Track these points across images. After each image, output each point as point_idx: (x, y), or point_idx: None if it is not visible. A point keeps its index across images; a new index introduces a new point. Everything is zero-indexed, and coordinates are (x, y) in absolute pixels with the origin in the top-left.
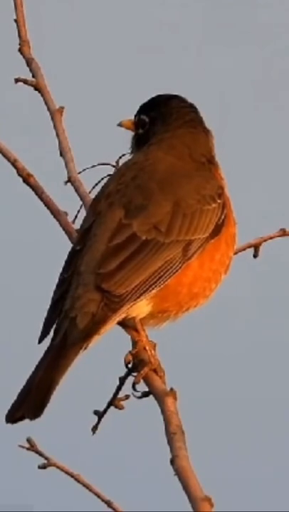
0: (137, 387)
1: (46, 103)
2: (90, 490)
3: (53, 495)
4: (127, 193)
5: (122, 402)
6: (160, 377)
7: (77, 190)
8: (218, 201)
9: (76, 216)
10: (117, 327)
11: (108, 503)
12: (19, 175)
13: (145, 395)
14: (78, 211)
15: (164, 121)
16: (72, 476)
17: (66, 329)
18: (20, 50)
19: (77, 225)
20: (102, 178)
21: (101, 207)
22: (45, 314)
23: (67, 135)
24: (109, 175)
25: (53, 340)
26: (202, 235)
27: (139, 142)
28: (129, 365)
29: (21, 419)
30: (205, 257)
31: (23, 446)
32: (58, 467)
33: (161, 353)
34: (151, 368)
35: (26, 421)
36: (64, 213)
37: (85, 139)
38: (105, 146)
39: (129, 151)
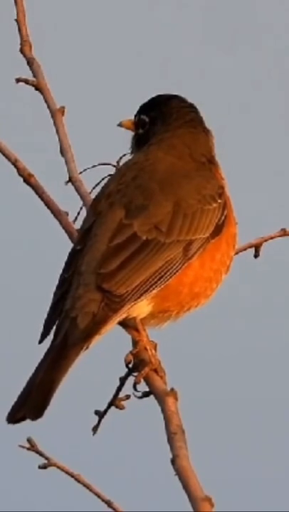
0: (138, 387)
1: (47, 103)
2: (91, 490)
3: (53, 495)
4: (128, 193)
5: (122, 402)
6: (161, 377)
7: (77, 190)
8: (219, 201)
9: (77, 216)
10: (117, 327)
11: (108, 503)
12: (20, 175)
13: (146, 394)
14: (79, 211)
15: (164, 121)
16: (72, 476)
17: (67, 329)
18: (21, 50)
19: (77, 225)
20: (103, 178)
21: (101, 207)
22: (45, 314)
23: (68, 135)
24: (109, 175)
25: (53, 340)
26: (203, 234)
27: (139, 142)
28: (130, 365)
29: (22, 419)
30: (206, 256)
31: (23, 446)
32: (58, 467)
33: (161, 353)
34: (151, 368)
35: (27, 421)
36: (65, 213)
37: (85, 139)
38: (106, 146)
39: (130, 151)
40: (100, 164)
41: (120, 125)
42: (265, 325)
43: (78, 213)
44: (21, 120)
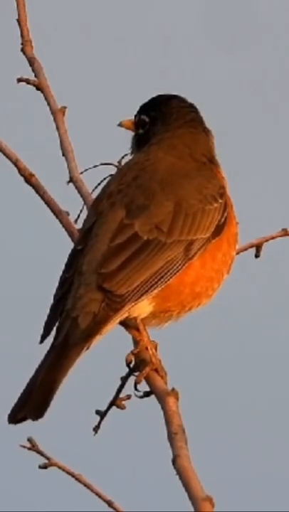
0: (139, 387)
1: (48, 103)
2: (91, 490)
3: (53, 495)
4: (129, 193)
5: (123, 402)
6: (162, 377)
7: (79, 190)
8: (220, 201)
9: (78, 216)
10: (118, 327)
11: (109, 503)
12: (21, 175)
13: (147, 394)
14: (80, 211)
15: (165, 121)
16: (73, 475)
17: (68, 329)
18: (22, 49)
19: (79, 225)
20: (104, 178)
21: (103, 207)
22: (46, 315)
23: (69, 135)
24: (111, 175)
25: (54, 340)
26: (204, 234)
27: (140, 142)
28: (131, 365)
29: (23, 419)
30: (207, 256)
31: (24, 446)
32: (59, 467)
33: (162, 353)
34: (152, 368)
35: (28, 421)
36: (66, 213)
37: (87, 139)
38: (107, 146)
39: (130, 151)
40: (101, 164)
41: (120, 125)
42: (266, 325)
43: (79, 213)
44: (22, 120)
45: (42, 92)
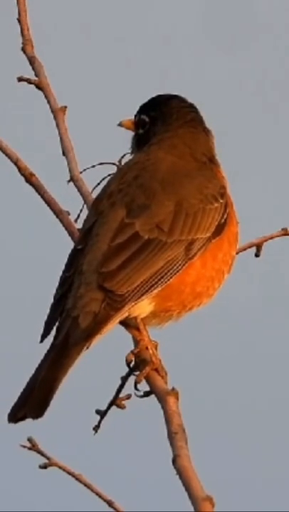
0: (139, 386)
1: (49, 102)
2: (92, 490)
3: (54, 495)
4: (129, 192)
5: (123, 402)
6: (162, 376)
7: (79, 189)
8: (221, 200)
9: (78, 215)
10: (118, 326)
11: (109, 503)
12: (21, 174)
13: (147, 394)
14: (80, 210)
15: (165, 121)
16: (73, 475)
17: (68, 328)
18: (23, 49)
19: (79, 225)
20: (104, 178)
21: (103, 206)
22: (46, 314)
23: (70, 134)
24: (111, 174)
25: (55, 339)
26: (204, 234)
27: (140, 142)
28: (131, 365)
29: (23, 418)
30: (208, 256)
31: (24, 446)
32: (59, 467)
33: (163, 353)
34: (152, 368)
35: (28, 420)
36: (66, 212)
37: (87, 138)
38: (108, 146)
39: (130, 151)
40: (101, 164)
41: (120, 125)
42: (266, 325)
43: (80, 212)
44: (23, 119)
45: (42, 91)
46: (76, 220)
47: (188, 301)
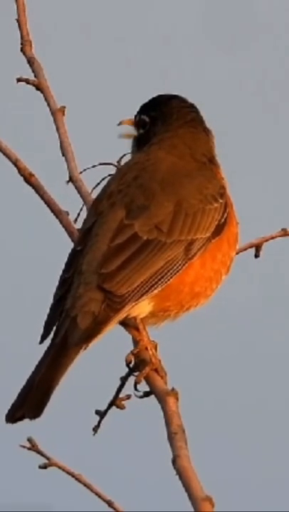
0: (139, 386)
1: (48, 103)
2: (91, 490)
3: (53, 495)
4: (129, 193)
5: (123, 402)
6: (161, 377)
7: (78, 189)
8: (220, 201)
9: (78, 216)
10: (118, 326)
11: (109, 503)
12: (21, 174)
13: (146, 394)
14: (80, 211)
15: (165, 121)
16: (73, 475)
17: (67, 328)
18: (22, 49)
19: (78, 225)
20: (104, 178)
21: (103, 207)
22: (46, 314)
23: (69, 135)
24: (110, 174)
25: (53, 339)
26: (204, 234)
27: (140, 142)
28: (131, 365)
29: (21, 419)
30: (207, 256)
31: (24, 446)
32: (59, 467)
33: (162, 353)
34: (152, 368)
35: (27, 420)
36: (65, 213)
37: (86, 139)
38: (107, 146)
39: (130, 151)
40: (100, 164)
41: (120, 125)
42: (267, 325)
43: (79, 213)
44: (22, 120)
45: (42, 92)
46: (75, 221)
47: (186, 301)
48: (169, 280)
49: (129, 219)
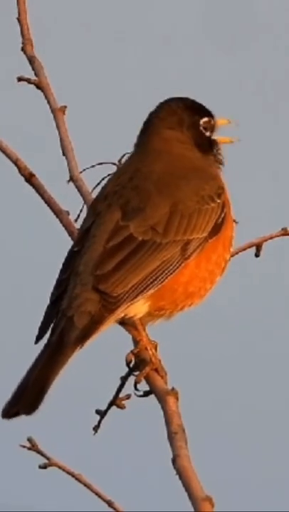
0: (139, 386)
1: (48, 102)
2: (91, 490)
3: (53, 495)
4: (124, 194)
5: (123, 402)
6: (161, 376)
7: (79, 189)
8: (218, 201)
9: (78, 215)
10: (118, 326)
11: (109, 503)
12: (21, 174)
13: (146, 394)
14: (80, 210)
15: None
16: (73, 475)
17: (63, 328)
18: (22, 48)
19: (79, 225)
20: (104, 178)
21: (101, 207)
22: (42, 315)
23: (70, 134)
24: (110, 174)
25: (50, 338)
26: (201, 234)
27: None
28: (131, 365)
29: (16, 414)
30: (202, 257)
31: (24, 446)
32: (59, 467)
33: (162, 353)
34: (152, 368)
35: (26, 420)
36: (66, 212)
37: (87, 138)
38: (107, 145)
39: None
40: (100, 163)
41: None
42: (266, 325)
43: (80, 212)
44: (22, 119)
45: (42, 91)
46: (76, 220)
47: (180, 300)
48: (164, 280)
49: (125, 220)
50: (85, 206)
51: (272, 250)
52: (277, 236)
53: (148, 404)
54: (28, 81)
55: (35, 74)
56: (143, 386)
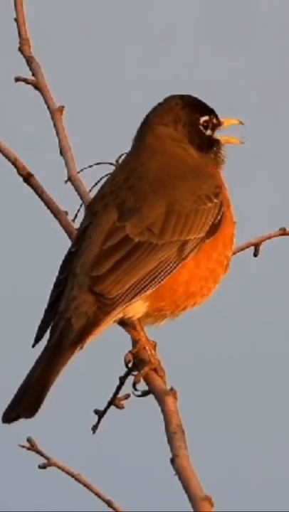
0: (137, 386)
1: (46, 102)
2: (91, 490)
3: (53, 495)
4: (120, 194)
5: (122, 402)
6: (160, 376)
7: (77, 189)
8: (215, 200)
9: (76, 215)
10: (116, 326)
11: (108, 503)
12: (19, 174)
13: (145, 394)
14: (78, 210)
15: None
16: (72, 475)
17: (62, 330)
18: (20, 49)
19: (77, 224)
20: (102, 178)
21: (98, 207)
22: (40, 317)
23: (67, 134)
24: (108, 174)
25: (49, 340)
26: (198, 234)
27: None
28: (130, 365)
29: (16, 418)
30: (201, 256)
31: (23, 446)
32: (58, 467)
33: (161, 353)
34: (151, 368)
35: (26, 420)
36: (64, 212)
37: (85, 138)
38: (105, 145)
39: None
40: (98, 163)
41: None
42: (265, 324)
43: (78, 212)
44: (20, 119)
45: (40, 91)
46: (74, 220)
47: (182, 300)
48: (161, 281)
49: (121, 221)
50: (83, 206)
51: (270, 250)
52: (276, 236)
53: (147, 404)
54: (26, 81)
55: (33, 74)
56: (142, 386)
